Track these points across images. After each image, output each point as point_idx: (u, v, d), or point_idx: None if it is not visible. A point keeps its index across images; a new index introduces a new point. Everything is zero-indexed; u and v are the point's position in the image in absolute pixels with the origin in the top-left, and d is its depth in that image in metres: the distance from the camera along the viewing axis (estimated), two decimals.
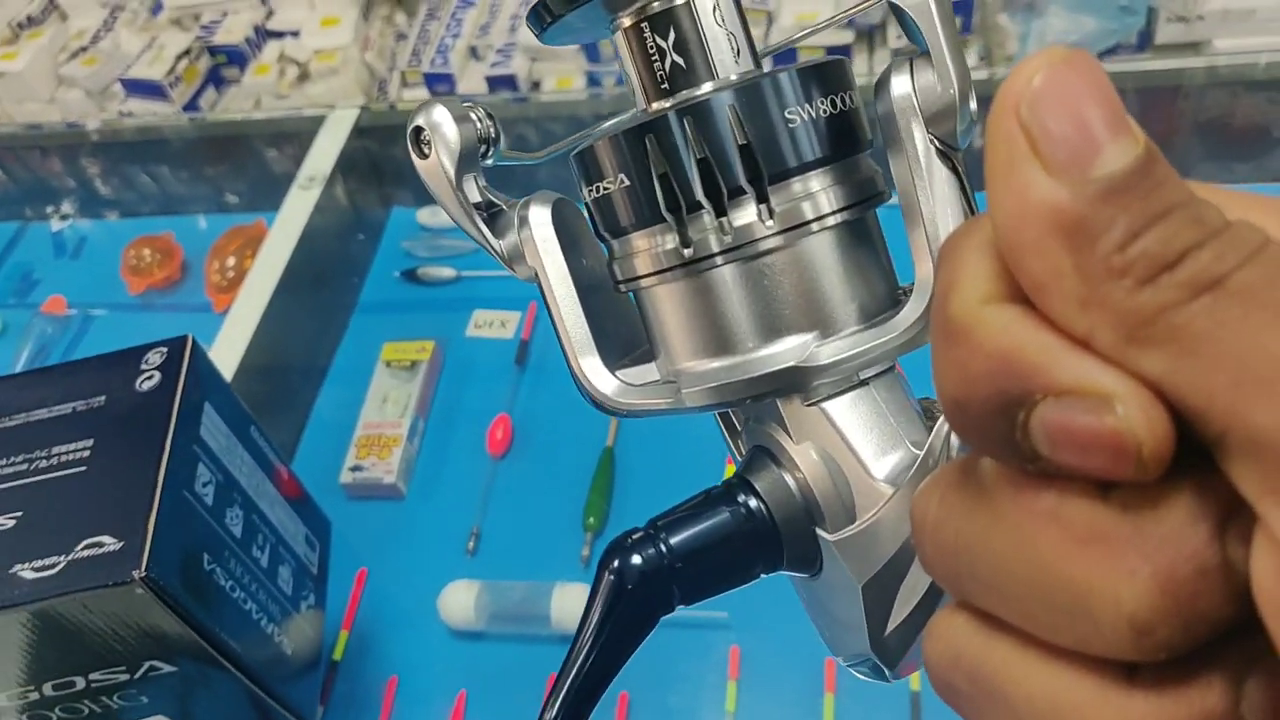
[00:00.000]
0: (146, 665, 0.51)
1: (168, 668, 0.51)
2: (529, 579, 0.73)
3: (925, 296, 0.24)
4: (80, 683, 0.51)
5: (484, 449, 0.82)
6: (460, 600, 0.72)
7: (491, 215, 0.27)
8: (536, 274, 0.27)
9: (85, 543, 0.47)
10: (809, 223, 0.24)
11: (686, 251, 0.24)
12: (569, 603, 0.70)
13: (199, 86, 1.80)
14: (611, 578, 0.25)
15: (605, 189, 0.26)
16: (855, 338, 0.24)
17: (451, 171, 0.26)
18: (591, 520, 0.76)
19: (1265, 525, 0.14)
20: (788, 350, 0.24)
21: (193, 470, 0.53)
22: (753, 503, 0.25)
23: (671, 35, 0.25)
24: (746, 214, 0.24)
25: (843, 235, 0.25)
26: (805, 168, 0.24)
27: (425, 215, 1.01)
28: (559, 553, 0.76)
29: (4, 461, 0.51)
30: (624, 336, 0.28)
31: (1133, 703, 0.16)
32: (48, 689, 0.51)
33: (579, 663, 0.25)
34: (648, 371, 0.27)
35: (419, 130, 0.26)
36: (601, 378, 0.27)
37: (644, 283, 0.26)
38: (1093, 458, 0.15)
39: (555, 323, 0.27)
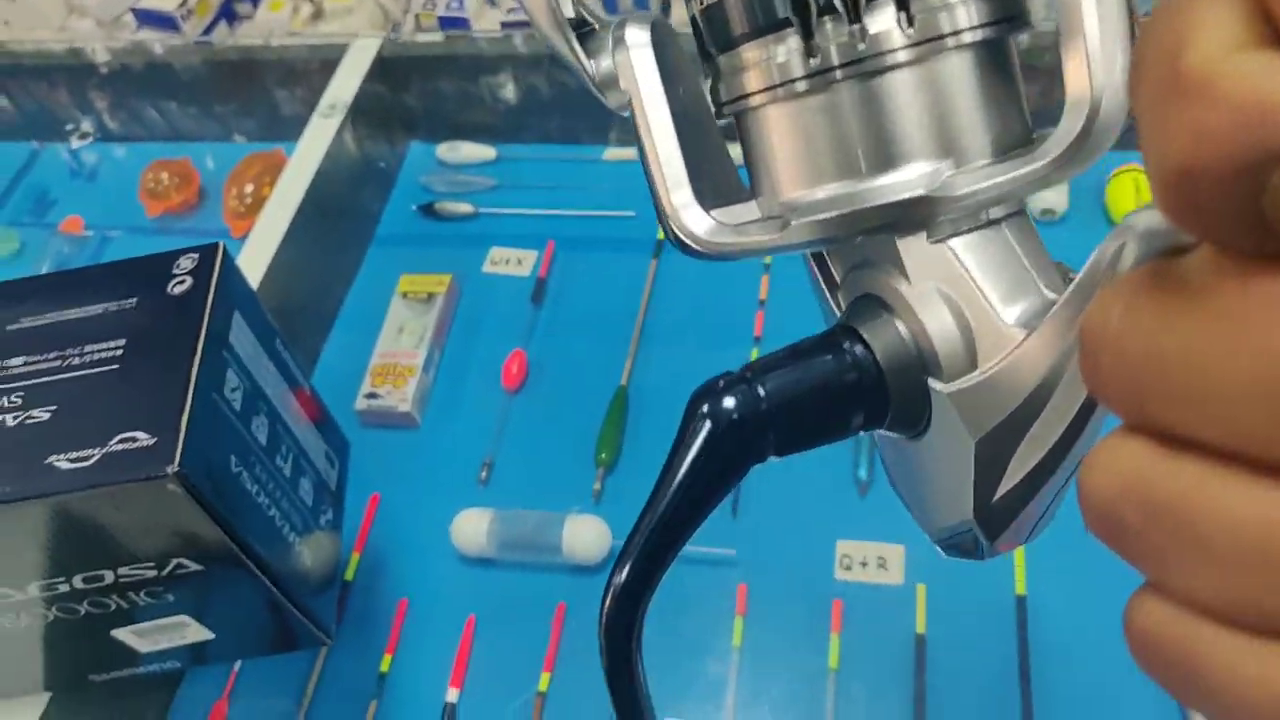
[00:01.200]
0: (174, 563, 0.52)
1: (194, 566, 0.52)
2: (540, 509, 0.73)
3: (1080, 116, 0.21)
4: (109, 576, 0.52)
5: (499, 383, 0.83)
6: (472, 527, 0.73)
7: (583, 35, 0.25)
8: (630, 100, 0.25)
9: (119, 437, 0.48)
10: (949, 35, 0.22)
11: (813, 62, 0.22)
12: (580, 533, 0.71)
13: (211, 20, 1.79)
14: (702, 421, 0.23)
15: None
16: (993, 168, 0.22)
17: None
18: (604, 455, 0.77)
19: None
20: (917, 178, 0.22)
21: (222, 375, 0.54)
22: (859, 349, 0.23)
23: None
24: (883, 20, 0.22)
25: (981, 57, 0.23)
26: None
27: (444, 150, 1.01)
28: (571, 486, 0.76)
29: (39, 357, 0.52)
30: (719, 181, 0.26)
31: None
32: (78, 581, 0.52)
33: (659, 512, 0.23)
34: (746, 211, 0.25)
35: None
36: (695, 215, 0.25)
37: (754, 100, 0.24)
38: None
39: (646, 154, 0.25)
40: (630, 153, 0.97)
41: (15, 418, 0.50)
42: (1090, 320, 0.16)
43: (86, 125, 1.12)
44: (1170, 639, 0.16)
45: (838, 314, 0.26)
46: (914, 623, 0.66)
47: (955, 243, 0.23)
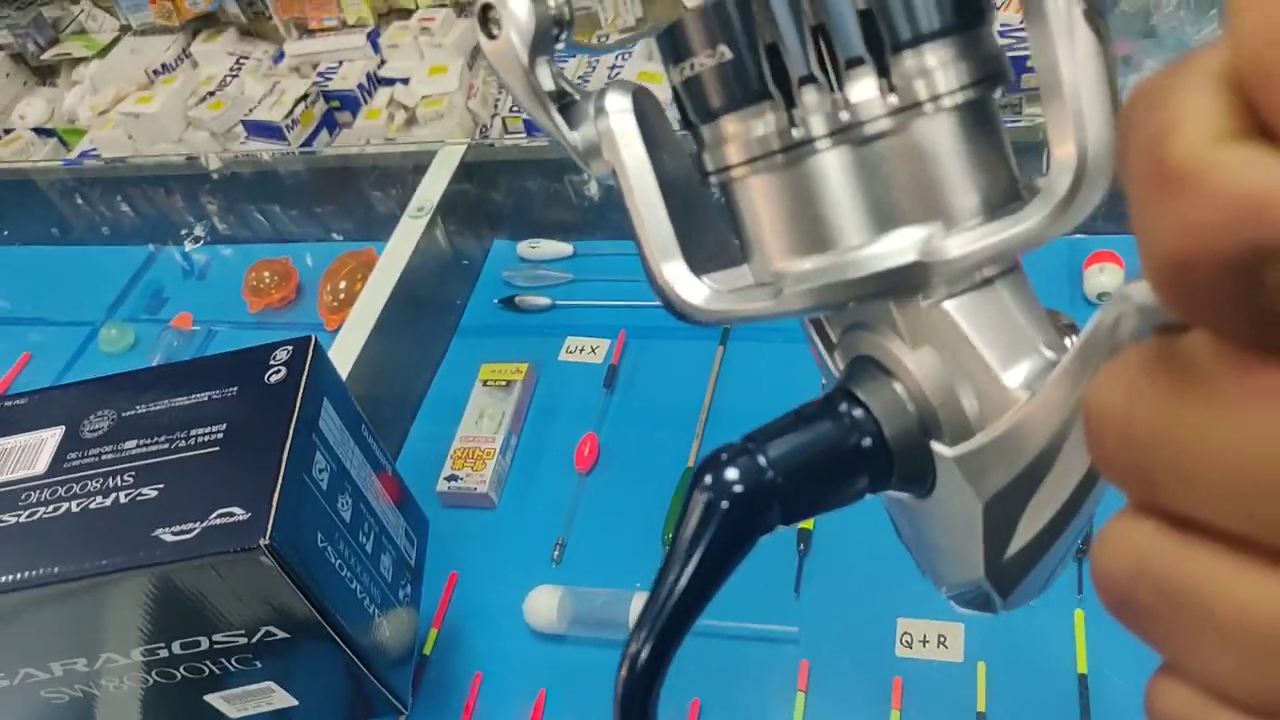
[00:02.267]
0: (263, 631, 0.56)
1: (281, 634, 0.56)
2: (610, 586, 0.76)
3: (1068, 175, 0.21)
4: (205, 643, 0.56)
5: (572, 465, 0.87)
6: (544, 603, 0.76)
7: (564, 106, 0.25)
8: (614, 170, 0.24)
9: (218, 512, 0.53)
10: (928, 101, 0.22)
11: (796, 132, 0.22)
12: None
13: (314, 129, 1.92)
14: (706, 494, 0.23)
15: (700, 66, 0.23)
16: (984, 229, 0.22)
17: (523, 53, 0.24)
18: (671, 535, 0.79)
19: None
20: (909, 244, 0.22)
21: (311, 457, 0.58)
22: (857, 413, 0.23)
23: None
24: (864, 89, 0.21)
25: (965, 117, 0.23)
26: (926, 38, 0.22)
27: (524, 248, 1.07)
28: (640, 564, 0.79)
29: (149, 440, 0.57)
30: (709, 245, 0.25)
31: None
32: (176, 646, 0.56)
33: (669, 587, 0.23)
34: (738, 276, 0.25)
35: (487, 8, 0.24)
36: (688, 284, 0.24)
37: (737, 172, 0.24)
38: None
39: (634, 222, 0.24)
40: None
41: (127, 495, 0.55)
42: (1094, 400, 0.16)
43: (199, 230, 1.21)
44: None
45: (836, 375, 0.26)
46: (975, 701, 0.67)
47: (950, 304, 0.22)
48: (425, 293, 1.01)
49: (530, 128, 1.82)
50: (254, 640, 0.57)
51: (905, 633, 0.71)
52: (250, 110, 1.91)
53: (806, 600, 0.74)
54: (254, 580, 0.53)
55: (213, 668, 0.58)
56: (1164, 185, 0.13)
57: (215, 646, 0.56)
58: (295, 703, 0.62)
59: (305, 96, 1.91)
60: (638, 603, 0.74)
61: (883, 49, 0.21)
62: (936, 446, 0.23)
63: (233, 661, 0.58)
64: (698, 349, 0.93)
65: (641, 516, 0.82)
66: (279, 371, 0.60)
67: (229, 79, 2.00)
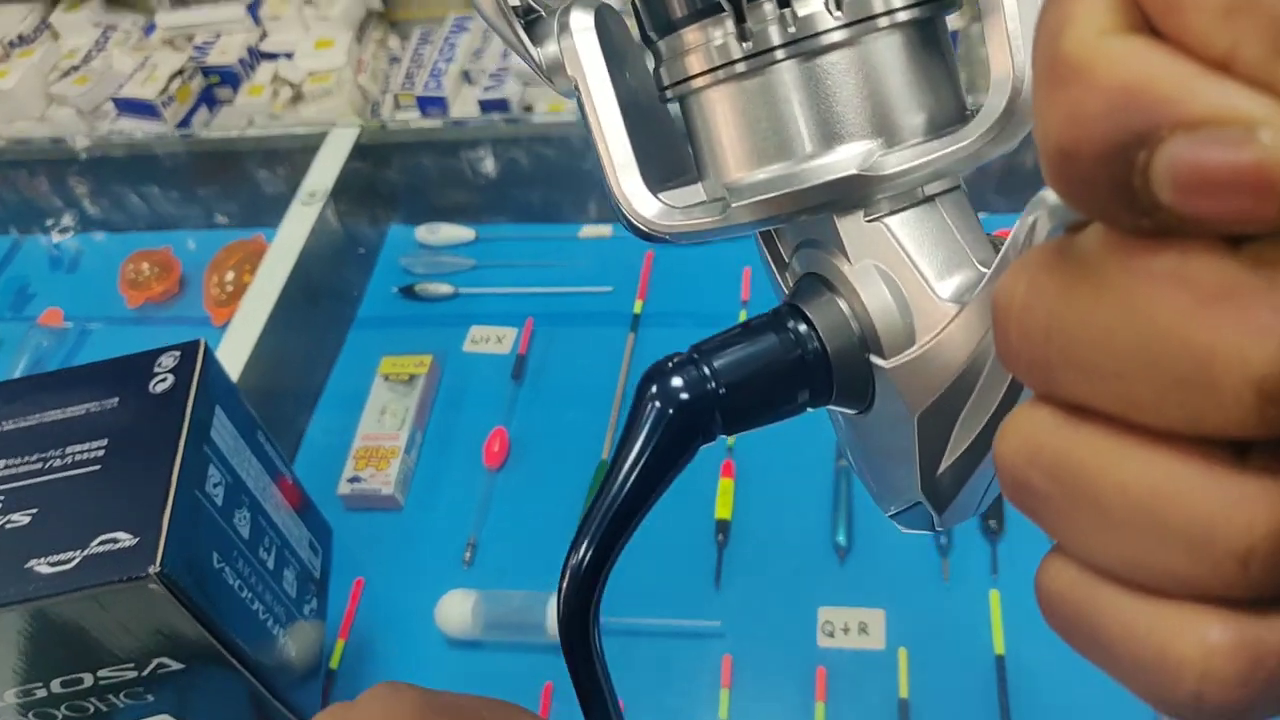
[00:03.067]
0: (155, 663, 0.52)
1: (176, 665, 0.52)
2: (525, 589, 0.74)
3: (1004, 94, 0.22)
4: (88, 679, 0.52)
5: (480, 462, 0.84)
6: (457, 609, 0.73)
7: (530, 23, 0.26)
8: (576, 85, 0.25)
9: (101, 539, 0.48)
10: (878, 16, 0.22)
11: (745, 45, 0.23)
12: None
13: (192, 106, 1.82)
14: (651, 402, 0.24)
15: None
16: (924, 146, 0.23)
17: None
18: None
19: None
20: (850, 157, 0.23)
21: (204, 472, 0.54)
22: (803, 328, 0.24)
23: None
24: (812, 3, 0.22)
25: (912, 36, 0.23)
26: None
27: (423, 233, 1.02)
28: (555, 564, 0.76)
29: (18, 460, 0.52)
30: (668, 163, 0.26)
31: (1243, 486, 0.14)
32: (55, 685, 0.52)
33: (612, 494, 0.24)
34: (693, 193, 0.26)
35: None
36: (643, 199, 0.25)
37: (695, 83, 0.24)
38: (1228, 199, 0.13)
39: (595, 138, 0.25)
40: (606, 229, 0.98)
41: None
42: (999, 295, 0.17)
43: (68, 219, 1.13)
44: (1072, 600, 0.17)
45: (786, 292, 0.26)
46: (897, 687, 0.67)
47: (892, 220, 0.23)
48: (319, 283, 0.96)
49: (424, 105, 1.76)
50: (145, 673, 0.52)
51: (826, 621, 0.70)
52: (120, 86, 1.80)
53: (727, 593, 0.73)
54: (143, 610, 0.49)
55: (99, 705, 0.53)
56: (1056, 77, 0.14)
57: (101, 683, 0.52)
58: None
59: (181, 71, 1.80)
60: (554, 604, 0.71)
61: None
62: (874, 359, 0.23)
63: (121, 697, 0.53)
64: (608, 336, 0.91)
65: (556, 512, 0.79)
66: (165, 379, 0.55)
67: (95, 52, 1.88)
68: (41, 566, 0.48)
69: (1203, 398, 0.14)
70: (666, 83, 0.25)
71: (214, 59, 1.84)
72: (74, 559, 0.48)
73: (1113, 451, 0.16)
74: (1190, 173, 0.13)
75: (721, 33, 0.23)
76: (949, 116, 0.24)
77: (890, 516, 0.27)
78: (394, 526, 0.81)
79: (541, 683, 0.70)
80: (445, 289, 0.97)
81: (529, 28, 0.25)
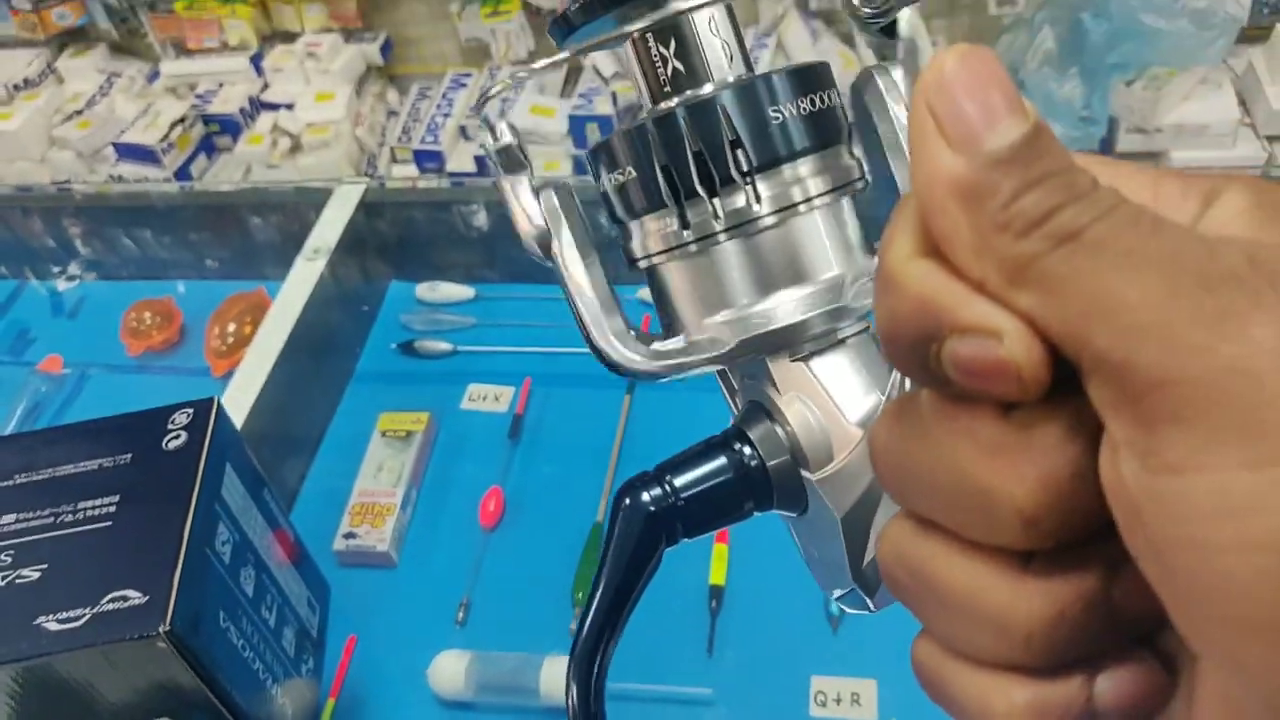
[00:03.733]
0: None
1: None
2: (518, 650, 0.74)
3: None
4: None
5: (476, 520, 0.84)
6: (450, 670, 0.73)
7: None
8: (555, 255, 0.30)
9: (110, 596, 0.49)
10: (796, 205, 0.28)
11: (685, 233, 0.28)
12: (558, 674, 0.71)
13: (191, 153, 1.84)
14: (624, 514, 0.28)
15: (619, 178, 0.29)
16: (835, 309, 0.28)
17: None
18: (580, 594, 0.78)
19: (1109, 432, 0.18)
20: (778, 312, 0.28)
21: (214, 529, 0.55)
22: (747, 450, 0.29)
23: (672, 44, 0.28)
24: (738, 199, 0.28)
25: (826, 215, 0.28)
26: (790, 157, 0.28)
27: (423, 290, 1.04)
28: (548, 625, 0.77)
29: (31, 514, 0.53)
30: (630, 259, 0.31)
31: (1026, 585, 0.19)
32: None
33: (600, 593, 0.28)
34: (664, 344, 0.30)
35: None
36: (621, 343, 0.30)
37: (656, 259, 0.29)
38: (986, 381, 0.19)
39: (575, 297, 0.30)
40: None
41: (4, 577, 0.50)
42: (870, 435, 0.22)
43: (74, 267, 1.14)
44: (932, 670, 0.22)
45: (736, 413, 0.31)
46: None
47: (812, 362, 0.28)
48: (320, 338, 0.97)
49: (421, 159, 1.78)
50: None
51: (819, 691, 0.71)
52: (122, 132, 1.82)
53: (720, 660, 0.74)
54: (149, 667, 0.50)
55: None
56: (880, 285, 0.20)
57: None
58: None
59: (182, 119, 1.83)
60: (549, 667, 0.72)
61: (750, 169, 0.27)
62: (804, 473, 0.28)
63: None
64: (604, 397, 0.92)
65: (550, 574, 0.80)
66: (178, 436, 0.56)
67: (98, 97, 1.90)
68: (50, 623, 0.48)
69: (990, 521, 0.19)
70: (635, 256, 0.30)
71: (215, 108, 1.87)
72: (83, 616, 0.48)
73: (945, 556, 0.21)
74: (962, 363, 0.19)
75: (674, 220, 0.28)
76: (858, 273, 0.29)
77: (835, 600, 0.31)
78: (388, 584, 0.82)
79: None
80: (444, 346, 0.98)
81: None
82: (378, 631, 0.78)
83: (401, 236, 1.13)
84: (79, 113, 1.86)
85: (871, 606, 0.30)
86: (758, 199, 0.27)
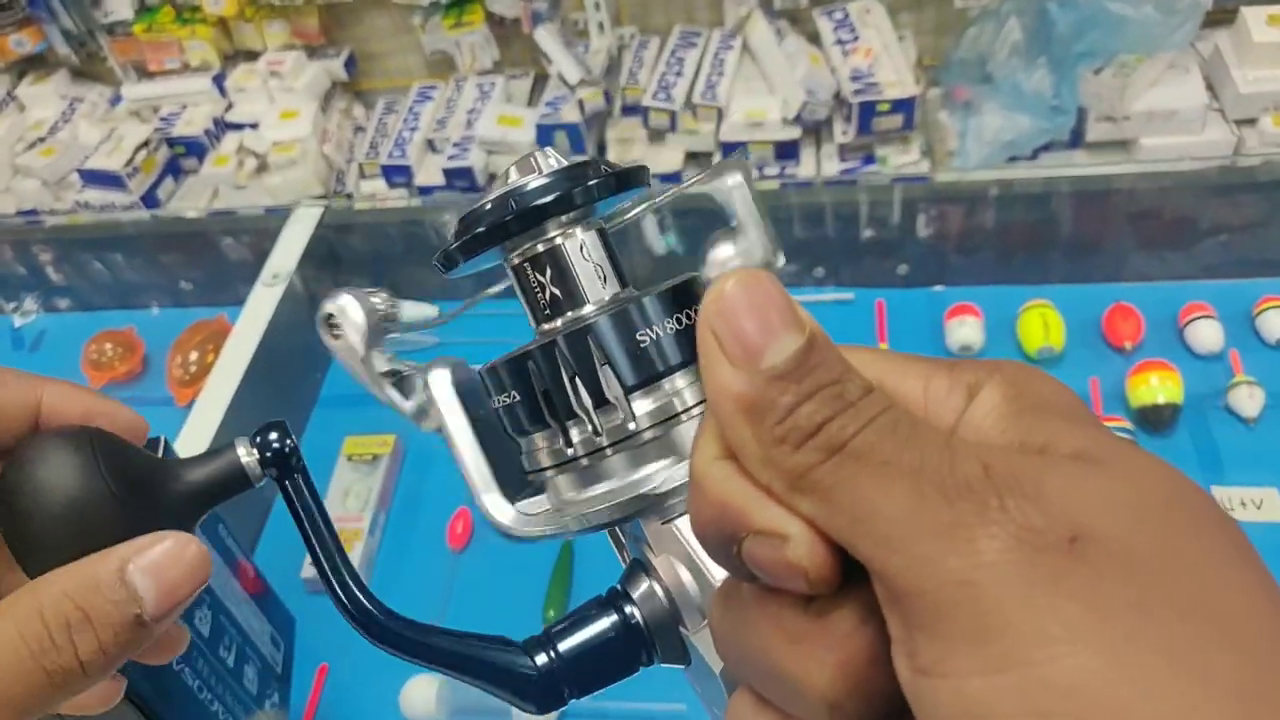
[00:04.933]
0: None
1: None
2: None
3: None
4: None
5: (444, 543, 0.84)
6: (421, 695, 0.73)
7: (400, 380, 0.32)
8: (440, 428, 0.31)
9: None
10: (677, 415, 0.29)
11: (569, 451, 0.29)
12: None
13: (157, 177, 1.83)
14: (515, 677, 0.30)
15: (505, 401, 0.30)
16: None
17: (361, 349, 0.31)
18: (551, 613, 0.77)
19: (891, 628, 0.19)
20: (647, 481, 0.30)
21: None
22: (628, 609, 0.30)
23: (548, 271, 0.30)
24: (616, 418, 0.29)
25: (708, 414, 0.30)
26: (665, 374, 0.29)
27: None
28: None
29: None
30: (521, 471, 0.32)
31: None
32: None
33: (445, 656, 0.30)
34: (540, 503, 0.31)
35: (330, 316, 0.31)
36: (502, 511, 0.31)
37: (548, 474, 0.30)
38: (779, 579, 0.20)
39: (461, 467, 0.31)
40: None
41: None
42: (708, 613, 0.24)
43: (30, 303, 1.13)
44: None
45: (624, 566, 0.32)
46: None
47: (679, 522, 0.29)
48: (283, 362, 0.96)
49: (389, 174, 1.78)
50: None
51: None
52: (86, 158, 1.80)
53: None
54: (99, 716, 0.49)
55: None
56: (690, 483, 0.22)
57: None
58: None
59: (147, 143, 1.81)
60: None
61: (623, 389, 0.28)
62: (682, 630, 0.29)
63: None
64: None
65: (519, 594, 0.80)
66: None
67: (61, 124, 1.88)
68: None
69: (804, 703, 0.20)
70: (528, 469, 0.31)
71: (180, 130, 1.85)
72: None
73: None
74: (757, 562, 0.20)
75: (560, 438, 0.29)
76: None
77: None
78: None
79: None
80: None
81: (399, 385, 0.32)
82: (348, 659, 0.78)
83: (365, 255, 1.12)
84: (41, 140, 1.85)
85: None
86: (633, 416, 0.28)
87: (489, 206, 0.30)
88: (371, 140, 1.83)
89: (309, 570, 0.81)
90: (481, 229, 0.29)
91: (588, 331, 0.28)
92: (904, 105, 1.58)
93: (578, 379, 0.29)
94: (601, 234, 0.31)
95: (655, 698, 0.72)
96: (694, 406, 0.29)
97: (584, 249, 0.30)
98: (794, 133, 1.57)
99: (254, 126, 1.84)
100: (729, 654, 0.23)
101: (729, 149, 1.68)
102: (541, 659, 0.29)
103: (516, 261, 0.30)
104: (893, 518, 0.18)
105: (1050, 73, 1.53)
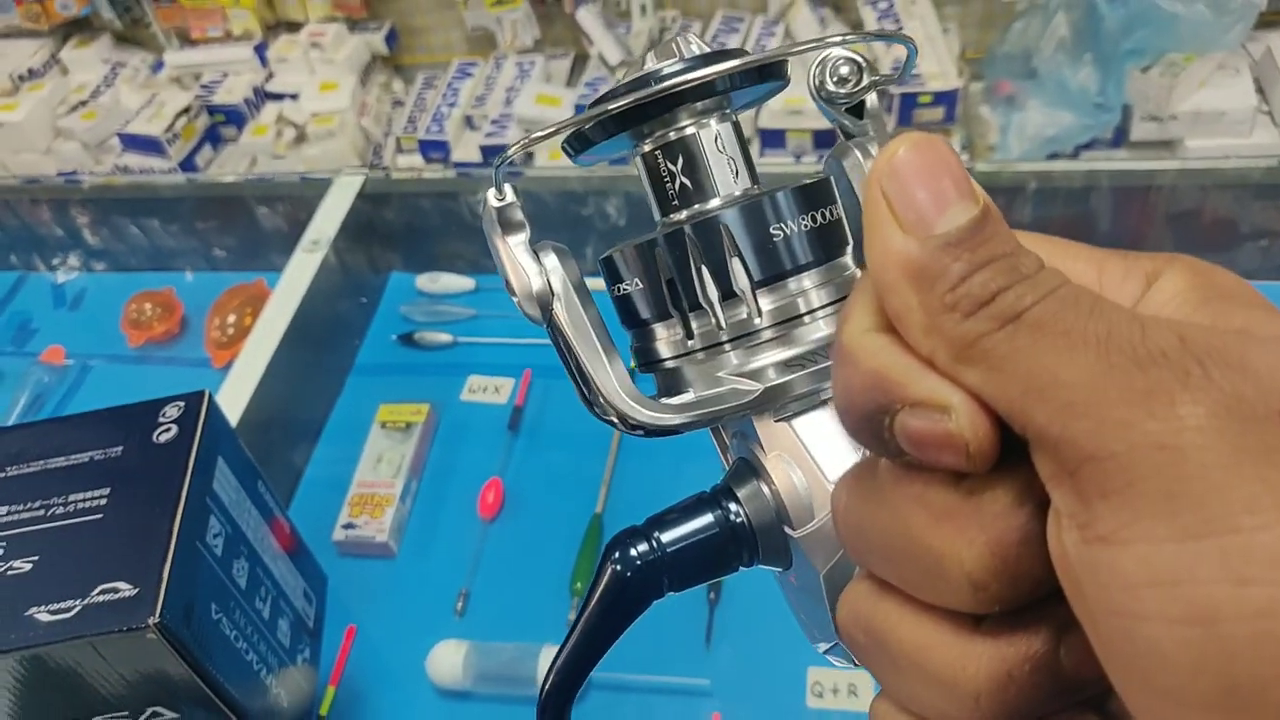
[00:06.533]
0: (149, 711, 0.52)
1: (169, 714, 0.52)
2: (516, 640, 0.74)
3: None
4: None
5: (475, 511, 0.84)
6: (448, 660, 0.73)
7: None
8: (555, 316, 0.30)
9: (101, 588, 0.49)
10: (800, 316, 0.28)
11: (690, 343, 0.29)
12: None
13: (196, 144, 1.84)
14: (613, 567, 0.29)
15: (624, 289, 0.30)
16: (814, 370, 0.29)
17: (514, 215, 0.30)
18: (579, 585, 0.77)
19: (1053, 502, 0.18)
20: (767, 377, 0.29)
21: (205, 522, 0.55)
22: (733, 507, 0.29)
23: (680, 161, 0.29)
24: (741, 312, 0.28)
25: (829, 322, 0.29)
26: (793, 272, 0.28)
27: (424, 281, 1.04)
28: (546, 616, 0.77)
29: (22, 506, 0.53)
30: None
31: (975, 645, 0.20)
32: None
33: (577, 638, 0.29)
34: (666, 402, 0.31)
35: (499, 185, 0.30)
36: (639, 401, 0.30)
37: (666, 365, 0.30)
38: (936, 453, 0.19)
39: (580, 360, 0.29)
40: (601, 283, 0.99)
41: None
42: (832, 497, 0.23)
43: (73, 259, 1.14)
44: None
45: (727, 467, 0.32)
46: None
47: (795, 421, 0.29)
48: (320, 328, 0.97)
49: (426, 149, 1.78)
50: None
51: (816, 682, 0.71)
52: (127, 122, 1.82)
53: (718, 651, 0.74)
54: (140, 658, 0.50)
55: None
56: (837, 358, 0.21)
57: None
58: None
59: (187, 110, 1.83)
60: (545, 657, 0.72)
61: (751, 284, 0.28)
62: (788, 530, 0.28)
63: None
64: None
65: (548, 565, 0.80)
66: (169, 430, 0.56)
67: (103, 88, 1.90)
68: (41, 614, 0.48)
69: (941, 584, 0.20)
70: (642, 361, 0.30)
71: (220, 98, 1.87)
72: (74, 608, 0.48)
73: (899, 617, 0.21)
74: (913, 436, 0.20)
75: (680, 329, 0.29)
76: None
77: (822, 653, 0.31)
78: (387, 574, 0.82)
79: None
80: (444, 338, 0.98)
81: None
82: (377, 621, 0.78)
83: (402, 227, 1.13)
84: (84, 103, 1.86)
85: (856, 660, 0.29)
86: (759, 313, 0.28)
87: (626, 88, 0.28)
88: (409, 115, 1.83)
89: (340, 533, 0.81)
90: (618, 108, 0.28)
91: (719, 222, 0.28)
92: (946, 97, 1.57)
93: (705, 269, 0.28)
94: (736, 127, 0.30)
95: (680, 672, 0.72)
96: (819, 309, 0.28)
97: (719, 140, 0.29)
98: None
99: (294, 97, 1.85)
100: (856, 539, 0.22)
101: (767, 136, 1.67)
102: (643, 547, 0.29)
103: (648, 148, 0.30)
104: (1077, 384, 0.18)
105: (1096, 69, 1.51)
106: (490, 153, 1.72)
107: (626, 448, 0.87)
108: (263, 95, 1.89)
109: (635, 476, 0.85)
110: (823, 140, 1.58)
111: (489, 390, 0.94)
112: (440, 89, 1.84)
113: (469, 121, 1.80)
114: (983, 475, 0.20)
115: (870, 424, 0.20)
